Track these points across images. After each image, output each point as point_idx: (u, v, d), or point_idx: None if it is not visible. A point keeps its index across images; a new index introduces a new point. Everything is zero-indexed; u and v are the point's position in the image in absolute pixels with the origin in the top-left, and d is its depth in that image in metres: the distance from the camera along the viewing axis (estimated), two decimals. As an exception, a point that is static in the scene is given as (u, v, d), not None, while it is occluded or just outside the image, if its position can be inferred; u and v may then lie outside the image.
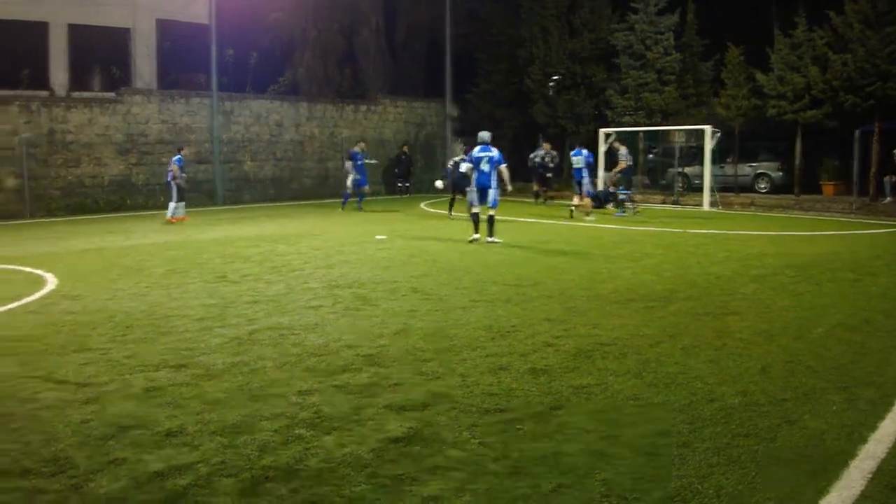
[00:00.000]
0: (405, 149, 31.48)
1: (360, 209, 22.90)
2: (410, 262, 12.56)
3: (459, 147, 23.41)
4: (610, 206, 22.43)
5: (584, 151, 20.90)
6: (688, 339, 7.39)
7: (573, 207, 20.20)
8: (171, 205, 20.07)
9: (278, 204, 26.51)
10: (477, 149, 15.04)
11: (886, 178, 25.32)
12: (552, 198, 25.94)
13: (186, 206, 20.81)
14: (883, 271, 12.01)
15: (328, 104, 31.17)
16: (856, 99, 24.46)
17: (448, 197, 21.43)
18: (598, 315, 8.49)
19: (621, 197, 22.15)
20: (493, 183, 14.86)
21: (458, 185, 20.19)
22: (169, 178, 20.18)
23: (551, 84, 30.81)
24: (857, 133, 23.20)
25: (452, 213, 20.65)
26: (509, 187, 15.67)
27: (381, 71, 35.80)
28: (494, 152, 14.89)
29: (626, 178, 22.70)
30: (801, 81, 25.77)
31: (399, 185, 31.28)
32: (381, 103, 32.93)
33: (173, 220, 19.87)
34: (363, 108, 32.19)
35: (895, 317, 8.66)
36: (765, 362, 6.63)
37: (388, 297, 9.50)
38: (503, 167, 15.07)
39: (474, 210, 15.03)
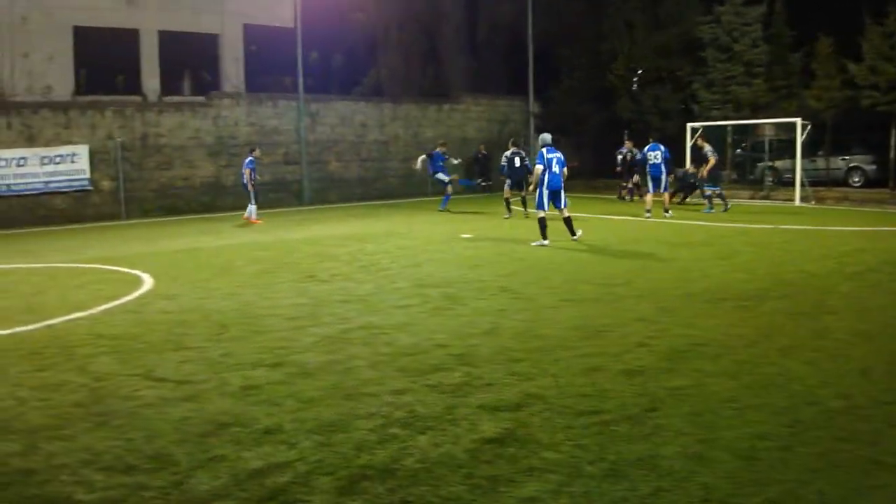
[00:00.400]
0: (482, 148, 31.31)
1: (442, 209, 22.69)
2: (498, 261, 12.57)
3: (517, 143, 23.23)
4: (692, 199, 22.05)
5: (661, 147, 20.19)
6: (784, 340, 7.20)
7: (648, 211, 19.48)
8: (250, 207, 20.56)
9: (364, 203, 26.82)
10: (545, 150, 14.62)
11: None
12: (639, 195, 25.52)
13: (270, 208, 21.26)
14: None
15: (411, 104, 31.42)
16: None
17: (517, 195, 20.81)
18: (691, 314, 8.34)
19: (707, 193, 21.68)
20: (562, 184, 14.69)
21: (516, 181, 20.01)
22: (244, 181, 20.67)
23: (635, 79, 30.41)
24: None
25: (516, 211, 20.33)
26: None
27: (463, 69, 35.86)
28: (560, 153, 14.69)
29: (714, 175, 22.15)
30: (893, 72, 24.81)
31: (481, 183, 31.08)
32: (463, 102, 33.00)
33: (252, 221, 20.31)
34: (446, 107, 32.33)
35: None
36: (865, 364, 6.41)
37: (476, 296, 9.52)
38: (564, 169, 14.84)
39: (542, 214, 14.51)
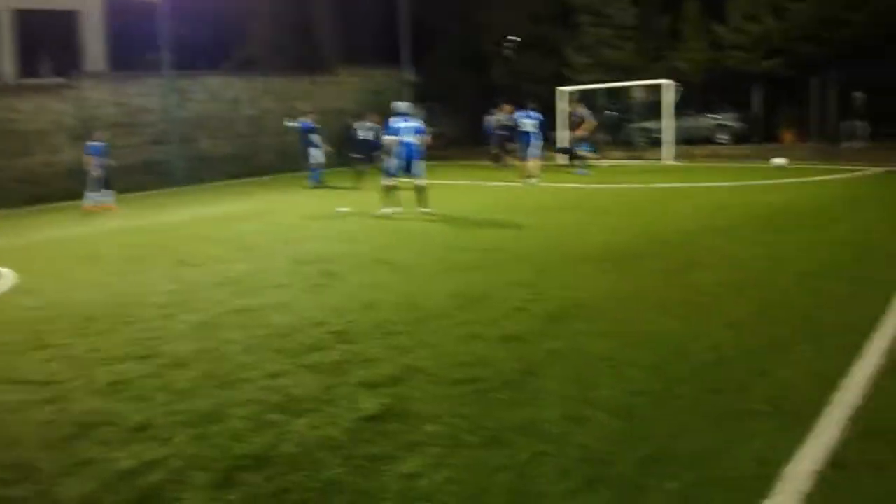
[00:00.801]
0: (352, 122, 29.87)
1: (316, 184, 22.29)
2: (375, 234, 12.43)
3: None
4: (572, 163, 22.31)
5: (534, 114, 19.82)
6: (657, 297, 7.37)
7: (528, 178, 19.28)
8: (92, 194, 19.57)
9: (239, 181, 26.03)
10: (397, 119, 14.35)
11: (847, 123, 25.58)
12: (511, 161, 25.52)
13: (141, 191, 20.40)
14: (845, 216, 12.14)
15: (284, 77, 30.70)
16: (813, 47, 24.56)
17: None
18: (569, 277, 8.45)
19: (583, 154, 22.00)
20: (419, 153, 14.30)
21: (368, 154, 20.12)
22: (92, 166, 19.67)
23: (509, 46, 30.62)
24: (814, 80, 23.33)
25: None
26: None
27: (338, 40, 35.27)
28: (417, 122, 14.45)
29: (587, 137, 22.44)
30: (758, 31, 25.80)
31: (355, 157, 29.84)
32: (338, 74, 32.46)
33: (94, 209, 19.26)
34: (320, 79, 31.72)
35: (860, 262, 8.74)
36: (735, 315, 6.62)
37: (355, 271, 9.37)
38: (425, 137, 14.63)
39: (390, 182, 14.46)
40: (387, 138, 14.54)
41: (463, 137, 33.85)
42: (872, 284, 7.61)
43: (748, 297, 7.29)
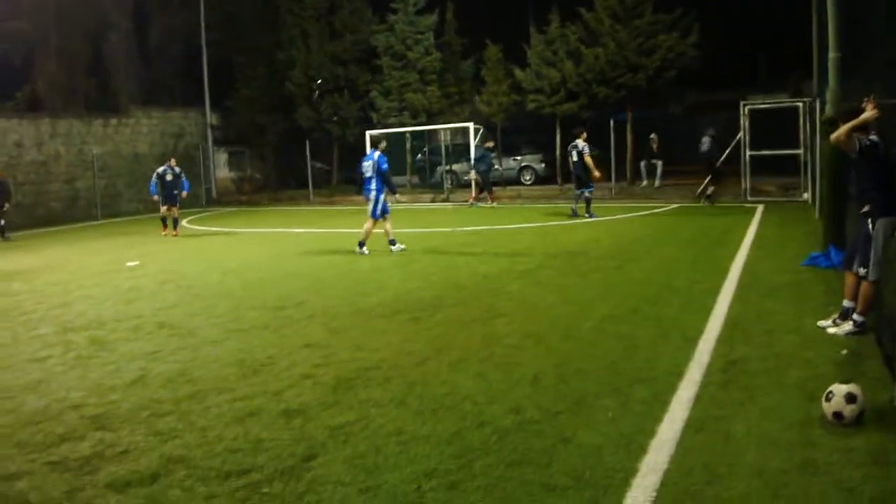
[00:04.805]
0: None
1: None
2: (161, 291, 11.33)
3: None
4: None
5: (376, 154, 14.16)
6: (455, 352, 6.96)
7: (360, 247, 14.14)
8: None
9: (21, 233, 23.71)
10: None
11: (643, 163, 26.78)
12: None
13: None
14: (644, 256, 12.31)
15: (74, 119, 28.66)
16: (608, 90, 25.63)
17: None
18: (363, 333, 7.89)
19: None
20: None
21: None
22: None
23: (314, 88, 30.16)
24: (611, 122, 24.23)
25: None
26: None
27: (134, 79, 33.53)
28: None
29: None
30: (556, 76, 26.71)
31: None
32: (133, 115, 30.72)
33: None
34: (114, 121, 29.89)
35: (660, 303, 8.73)
36: (535, 370, 6.31)
37: (129, 338, 8.35)
38: None
39: None
40: None
41: (272, 181, 32.92)
42: (673, 327, 7.56)
43: (549, 347, 7.03)
